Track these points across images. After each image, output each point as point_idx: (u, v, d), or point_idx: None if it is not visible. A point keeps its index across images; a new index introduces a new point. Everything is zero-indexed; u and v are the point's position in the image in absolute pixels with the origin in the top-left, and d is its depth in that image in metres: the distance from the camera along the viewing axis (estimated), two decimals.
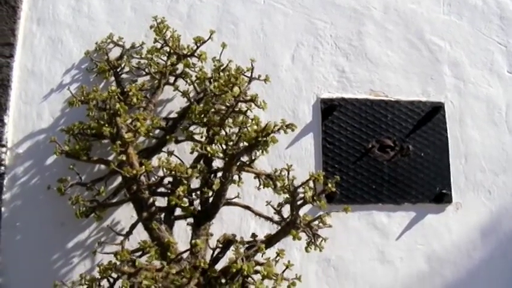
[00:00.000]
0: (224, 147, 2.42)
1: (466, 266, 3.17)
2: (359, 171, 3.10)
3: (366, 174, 3.11)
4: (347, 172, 3.08)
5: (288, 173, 2.41)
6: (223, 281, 2.21)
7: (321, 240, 2.36)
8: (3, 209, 2.74)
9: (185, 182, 2.40)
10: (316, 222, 2.35)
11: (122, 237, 2.62)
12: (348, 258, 3.03)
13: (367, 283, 3.03)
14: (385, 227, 3.10)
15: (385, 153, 3.15)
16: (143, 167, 2.39)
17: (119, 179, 2.73)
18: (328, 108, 3.12)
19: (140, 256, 2.29)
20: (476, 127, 3.33)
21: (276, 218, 2.47)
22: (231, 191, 2.54)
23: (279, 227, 2.42)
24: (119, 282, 2.20)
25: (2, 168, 2.76)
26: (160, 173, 2.45)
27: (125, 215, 2.78)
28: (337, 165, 3.08)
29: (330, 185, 2.37)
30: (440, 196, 3.17)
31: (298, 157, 3.04)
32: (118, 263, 2.19)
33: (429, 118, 3.24)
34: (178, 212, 2.57)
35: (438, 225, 3.16)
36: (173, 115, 2.90)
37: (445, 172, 3.21)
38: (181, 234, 2.69)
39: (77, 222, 2.72)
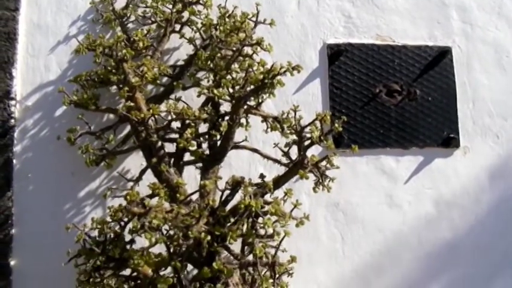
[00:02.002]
0: (231, 90, 2.42)
1: (473, 210, 3.19)
2: (366, 116, 3.10)
3: (374, 118, 3.11)
4: (354, 117, 3.08)
5: (295, 114, 2.40)
6: (232, 220, 2.21)
7: (329, 181, 2.37)
8: (14, 161, 2.76)
9: (193, 124, 2.41)
10: (324, 162, 2.34)
11: (132, 184, 2.66)
12: (356, 202, 3.05)
13: (375, 227, 3.06)
14: (393, 171, 3.11)
15: (393, 98, 3.14)
16: (151, 110, 2.39)
17: (128, 128, 2.74)
18: (335, 54, 3.11)
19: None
20: (484, 71, 3.31)
21: (284, 160, 2.48)
22: (239, 136, 2.55)
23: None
24: (130, 226, 2.18)
25: (12, 121, 2.78)
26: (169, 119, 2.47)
27: (135, 163, 2.81)
28: (344, 110, 3.07)
29: (336, 125, 2.36)
30: (448, 140, 3.17)
31: (306, 102, 3.02)
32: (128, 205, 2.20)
33: (436, 62, 3.22)
34: (187, 157, 2.59)
35: (446, 169, 3.18)
36: (180, 63, 2.89)
37: (452, 116, 3.21)
38: (190, 181, 2.67)
39: (87, 171, 2.76)
